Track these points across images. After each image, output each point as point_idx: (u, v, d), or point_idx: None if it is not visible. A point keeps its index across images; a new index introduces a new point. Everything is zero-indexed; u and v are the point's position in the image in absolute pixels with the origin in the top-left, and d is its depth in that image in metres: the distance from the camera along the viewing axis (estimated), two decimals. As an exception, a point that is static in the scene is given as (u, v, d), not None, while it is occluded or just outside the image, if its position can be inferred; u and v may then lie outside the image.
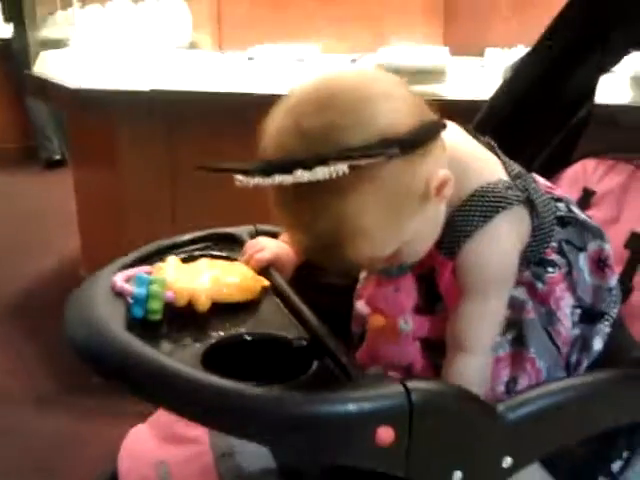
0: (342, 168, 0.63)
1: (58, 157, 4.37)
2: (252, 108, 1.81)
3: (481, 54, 2.23)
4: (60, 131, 4.21)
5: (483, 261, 0.77)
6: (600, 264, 0.86)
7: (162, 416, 0.96)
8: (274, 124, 0.71)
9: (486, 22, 2.46)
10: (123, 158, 2.01)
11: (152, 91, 1.90)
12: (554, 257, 0.83)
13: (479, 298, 0.77)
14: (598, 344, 0.84)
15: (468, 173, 0.78)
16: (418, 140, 0.69)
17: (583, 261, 0.85)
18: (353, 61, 2.11)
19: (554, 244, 0.83)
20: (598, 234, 0.87)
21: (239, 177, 0.67)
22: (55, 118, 4.22)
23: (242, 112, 1.85)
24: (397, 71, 1.83)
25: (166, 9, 3.06)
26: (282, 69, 2.00)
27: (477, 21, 2.53)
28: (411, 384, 0.66)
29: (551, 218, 0.83)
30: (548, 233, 0.82)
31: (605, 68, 1.12)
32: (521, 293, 0.81)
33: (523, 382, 0.81)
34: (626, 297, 0.92)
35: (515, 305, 0.81)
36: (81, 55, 2.07)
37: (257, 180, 0.66)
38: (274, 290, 0.87)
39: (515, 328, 0.82)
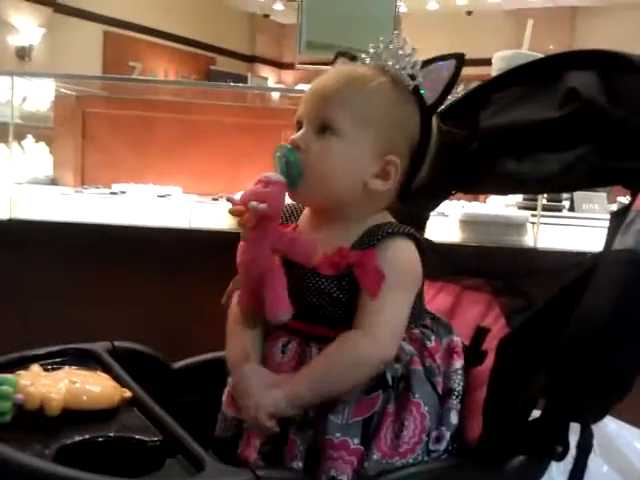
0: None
1: None
2: (110, 239, 1.88)
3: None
4: None
5: (395, 256, 0.91)
6: (450, 352, 1.00)
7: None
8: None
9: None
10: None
11: (10, 220, 1.91)
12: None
13: (389, 294, 0.89)
14: (454, 418, 0.95)
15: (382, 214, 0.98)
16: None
17: (442, 351, 0.99)
18: (215, 199, 2.22)
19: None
20: (449, 329, 1.03)
21: None
22: None
23: (99, 242, 1.89)
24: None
25: (26, 149, 3.09)
26: (145, 204, 2.07)
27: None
28: (260, 472, 0.70)
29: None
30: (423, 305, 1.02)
31: (433, 207, 1.29)
32: (411, 348, 0.95)
33: (409, 426, 0.90)
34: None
35: (403, 358, 0.93)
36: None
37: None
38: (134, 400, 0.89)
39: (403, 380, 0.92)
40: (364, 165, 0.94)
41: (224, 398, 1.00)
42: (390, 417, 0.90)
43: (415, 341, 0.96)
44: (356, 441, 0.87)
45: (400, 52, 0.97)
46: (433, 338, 0.99)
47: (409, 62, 0.96)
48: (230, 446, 0.94)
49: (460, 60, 0.98)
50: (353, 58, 1.03)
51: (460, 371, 0.99)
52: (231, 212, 0.88)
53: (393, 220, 0.98)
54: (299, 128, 0.95)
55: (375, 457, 0.87)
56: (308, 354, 0.93)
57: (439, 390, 0.95)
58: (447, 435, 0.94)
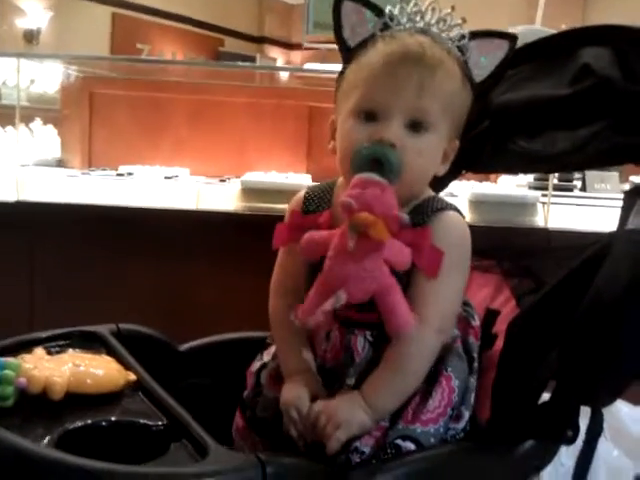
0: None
1: None
2: (116, 220, 1.87)
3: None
4: None
5: (450, 232, 0.89)
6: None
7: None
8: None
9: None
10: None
11: (17, 202, 1.91)
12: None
13: (447, 273, 0.87)
14: (472, 398, 0.94)
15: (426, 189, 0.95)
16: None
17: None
18: (222, 181, 2.21)
19: None
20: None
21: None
22: None
23: (105, 224, 1.89)
24: (262, 190, 1.94)
25: (33, 132, 3.08)
26: (152, 186, 2.06)
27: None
28: (265, 457, 0.69)
29: None
30: None
31: (441, 187, 1.26)
32: (455, 330, 0.94)
33: (436, 397, 0.89)
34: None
35: (447, 341, 0.92)
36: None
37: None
38: (139, 383, 0.88)
39: (440, 359, 0.91)
40: (442, 153, 0.93)
41: (265, 380, 0.98)
42: (420, 393, 0.89)
43: (460, 321, 0.96)
44: (384, 420, 0.87)
45: (448, 20, 0.91)
46: (477, 317, 0.98)
47: (458, 34, 0.91)
48: (274, 425, 0.92)
49: (513, 42, 0.93)
50: (370, 6, 0.92)
51: (477, 351, 0.98)
52: (361, 220, 0.78)
53: (433, 192, 0.97)
54: (370, 116, 0.88)
55: (400, 427, 0.86)
56: (353, 341, 0.90)
57: (475, 366, 0.94)
58: (466, 415, 0.92)
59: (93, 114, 2.64)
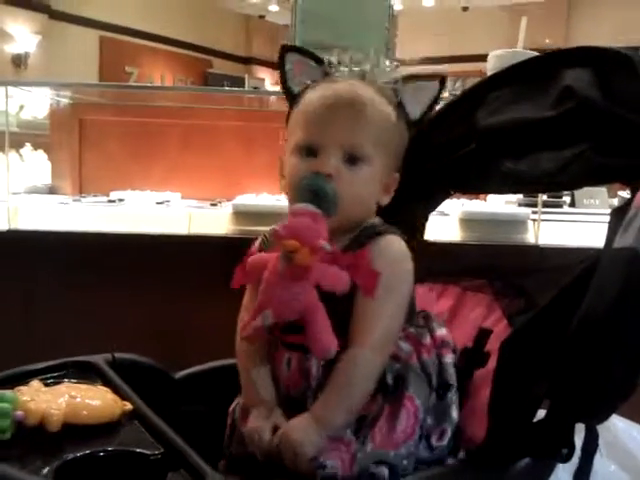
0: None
1: None
2: (109, 247, 1.87)
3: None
4: None
5: (387, 251, 0.94)
6: (439, 346, 1.00)
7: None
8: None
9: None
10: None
11: (9, 231, 1.90)
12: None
13: (385, 292, 0.89)
14: (455, 413, 0.96)
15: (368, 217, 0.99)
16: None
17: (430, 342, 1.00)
18: (213, 205, 2.22)
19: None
20: (439, 324, 1.04)
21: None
22: None
23: (98, 251, 1.89)
24: (253, 213, 1.95)
25: (24, 157, 3.08)
26: (143, 211, 2.06)
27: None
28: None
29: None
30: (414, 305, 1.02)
31: (431, 209, 1.28)
32: (408, 346, 0.97)
33: (402, 418, 0.91)
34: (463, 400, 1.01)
35: (402, 357, 0.95)
36: None
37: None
38: (135, 413, 0.88)
39: (400, 378, 0.93)
40: (380, 184, 0.99)
41: (238, 415, 0.99)
42: (386, 412, 0.91)
43: (411, 339, 0.98)
44: (349, 433, 0.89)
45: (382, 65, 1.01)
46: (428, 335, 1.00)
47: (391, 78, 1.00)
48: (251, 462, 0.93)
49: (443, 82, 1.02)
50: (311, 56, 1.02)
51: (452, 365, 1.00)
52: (286, 247, 0.84)
53: (378, 220, 1.00)
54: (310, 152, 0.95)
55: (368, 449, 0.88)
56: (309, 367, 0.93)
57: (434, 383, 0.96)
58: (449, 431, 0.94)
59: (83, 140, 2.65)
